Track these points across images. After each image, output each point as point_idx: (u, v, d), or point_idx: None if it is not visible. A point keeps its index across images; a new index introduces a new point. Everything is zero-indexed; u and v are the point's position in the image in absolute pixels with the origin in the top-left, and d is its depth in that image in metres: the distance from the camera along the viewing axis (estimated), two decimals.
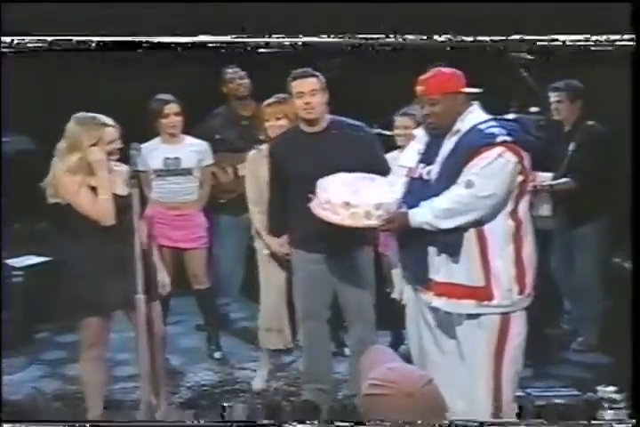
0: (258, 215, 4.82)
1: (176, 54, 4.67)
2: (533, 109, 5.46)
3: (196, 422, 4.44)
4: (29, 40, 4.40)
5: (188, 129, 5.50)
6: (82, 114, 4.29)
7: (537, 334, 4.35)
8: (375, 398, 2.26)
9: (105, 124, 4.25)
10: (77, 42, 4.44)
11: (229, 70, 6.01)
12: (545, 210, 5.30)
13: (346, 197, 3.74)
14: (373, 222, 3.75)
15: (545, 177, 5.30)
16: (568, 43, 4.38)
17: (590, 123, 5.36)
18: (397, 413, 2.21)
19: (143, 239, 4.14)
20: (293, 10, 5.24)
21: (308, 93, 4.36)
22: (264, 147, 4.80)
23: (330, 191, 3.81)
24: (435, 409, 2.25)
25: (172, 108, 5.31)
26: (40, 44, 4.40)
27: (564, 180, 5.29)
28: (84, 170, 4.20)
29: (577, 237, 5.43)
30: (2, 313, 5.26)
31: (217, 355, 5.51)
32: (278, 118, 4.74)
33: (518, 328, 3.79)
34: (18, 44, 4.37)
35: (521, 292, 3.77)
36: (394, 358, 2.60)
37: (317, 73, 4.43)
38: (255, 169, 4.84)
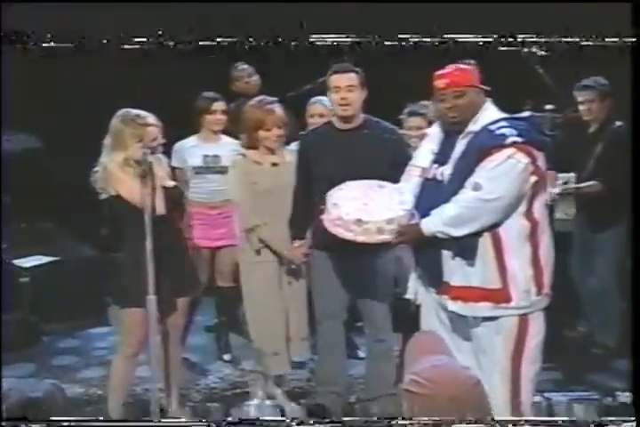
0: (263, 227, 4.56)
1: (180, 53, 4.72)
2: (549, 107, 5.45)
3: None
4: (31, 39, 4.43)
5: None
6: (125, 111, 4.35)
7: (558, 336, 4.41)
8: (414, 396, 2.23)
9: (147, 124, 4.32)
10: (79, 41, 4.48)
11: (237, 67, 6.03)
12: (568, 212, 5.26)
13: (357, 214, 3.80)
14: (386, 237, 3.81)
15: (567, 178, 5.25)
16: (568, 42, 4.42)
17: (619, 123, 5.28)
18: (438, 414, 2.21)
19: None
20: (296, 10, 5.30)
21: (345, 89, 4.32)
22: (249, 152, 4.65)
23: (341, 208, 3.86)
24: (478, 412, 2.23)
25: (220, 105, 5.36)
26: (41, 43, 4.43)
27: (590, 182, 5.23)
28: (132, 165, 4.27)
29: (599, 240, 5.37)
30: (5, 314, 5.32)
31: (226, 357, 5.53)
32: (279, 127, 4.57)
33: (537, 329, 3.81)
34: (19, 43, 4.40)
35: (539, 292, 3.78)
36: (443, 348, 2.56)
37: (358, 69, 4.39)
38: (247, 175, 4.59)
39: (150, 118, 4.35)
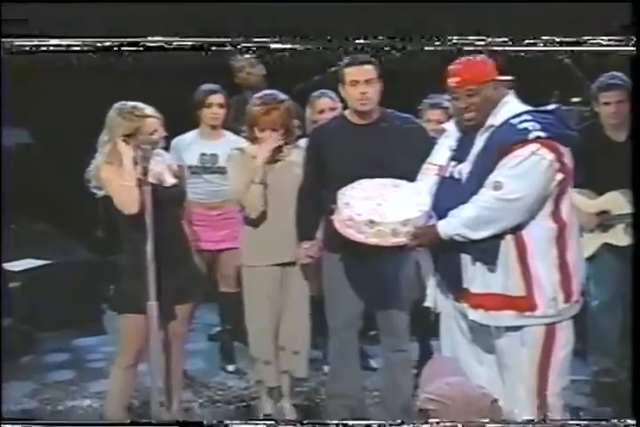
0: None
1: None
2: (575, 100, 5.33)
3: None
4: (29, 39, 4.42)
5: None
6: (121, 104, 4.30)
7: None
8: (430, 414, 2.22)
9: (145, 115, 4.27)
10: (78, 41, 4.46)
11: (239, 57, 5.97)
12: (621, 240, 4.79)
13: (370, 215, 3.74)
14: (401, 240, 3.75)
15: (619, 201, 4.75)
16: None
17: None
18: None
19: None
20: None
21: (364, 83, 4.25)
22: (249, 147, 4.60)
23: (353, 208, 3.80)
24: None
25: (217, 98, 5.29)
26: (40, 43, 4.42)
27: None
28: (119, 160, 4.22)
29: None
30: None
31: (230, 368, 5.46)
32: (274, 129, 4.51)
33: (565, 339, 3.74)
34: (18, 42, 4.40)
35: (567, 299, 3.70)
36: (457, 370, 2.55)
37: (374, 60, 4.32)
38: (248, 172, 4.53)
39: (148, 110, 4.29)
